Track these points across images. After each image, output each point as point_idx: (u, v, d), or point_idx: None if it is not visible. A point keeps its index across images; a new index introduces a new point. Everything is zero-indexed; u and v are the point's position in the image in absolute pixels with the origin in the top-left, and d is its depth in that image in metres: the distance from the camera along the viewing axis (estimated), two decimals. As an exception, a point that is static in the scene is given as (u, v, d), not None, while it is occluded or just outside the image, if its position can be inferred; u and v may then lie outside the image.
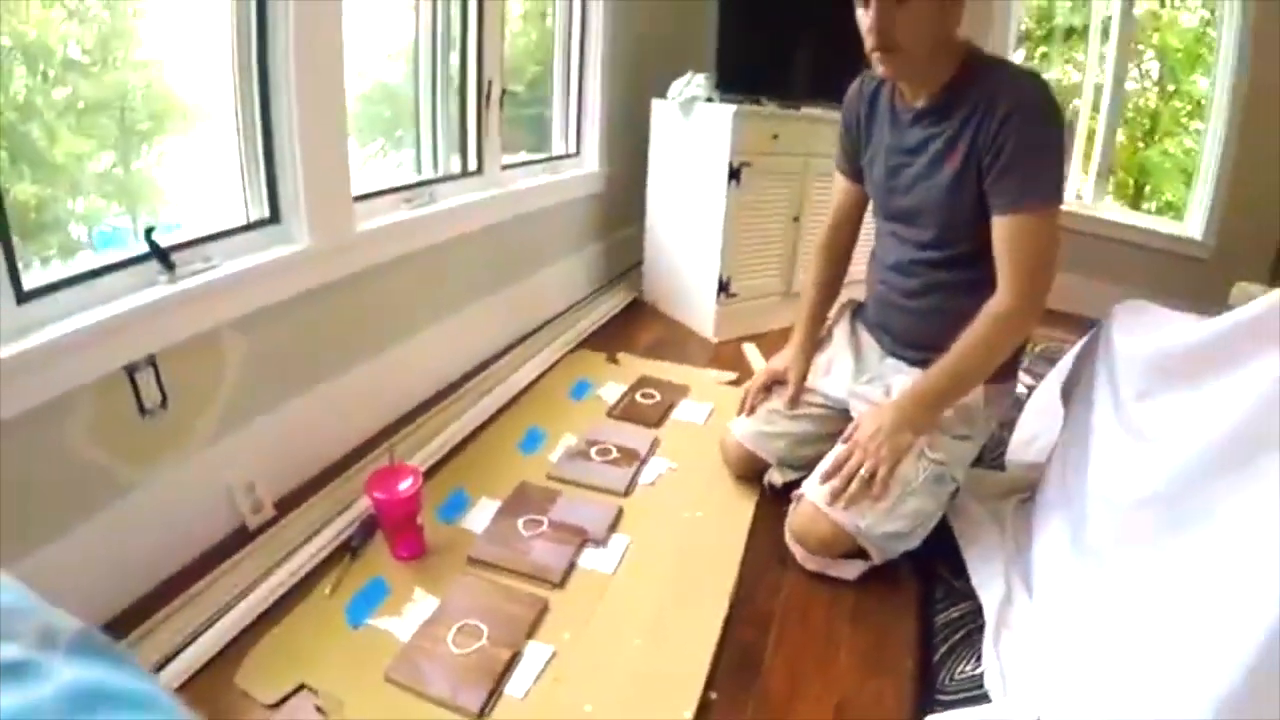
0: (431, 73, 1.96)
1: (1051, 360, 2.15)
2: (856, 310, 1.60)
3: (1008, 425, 1.81)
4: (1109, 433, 1.19)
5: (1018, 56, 3.31)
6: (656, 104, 2.52)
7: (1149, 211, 3.73)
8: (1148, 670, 0.88)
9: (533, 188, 2.28)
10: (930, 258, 1.35)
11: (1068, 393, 1.46)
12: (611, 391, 1.97)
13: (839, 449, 1.32)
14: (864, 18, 1.20)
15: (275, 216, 1.43)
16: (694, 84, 2.37)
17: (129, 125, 1.31)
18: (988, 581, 1.28)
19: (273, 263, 1.36)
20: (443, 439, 1.67)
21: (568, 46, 2.55)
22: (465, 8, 1.97)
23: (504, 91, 2.10)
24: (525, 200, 2.23)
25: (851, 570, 1.30)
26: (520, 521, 1.38)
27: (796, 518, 1.33)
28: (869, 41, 1.20)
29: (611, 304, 2.66)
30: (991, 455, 1.71)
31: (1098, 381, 1.29)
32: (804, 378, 1.54)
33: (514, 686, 1.05)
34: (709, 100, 2.33)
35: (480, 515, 1.42)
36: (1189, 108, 3.75)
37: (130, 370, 1.15)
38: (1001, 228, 1.21)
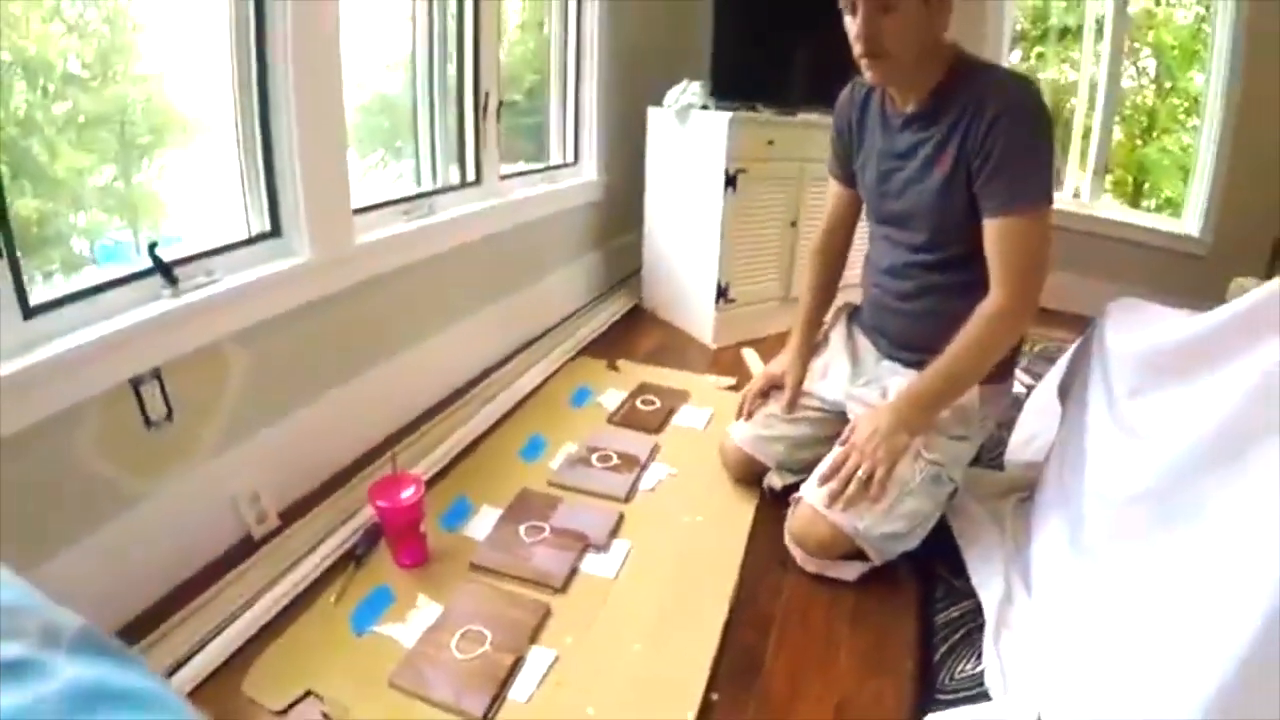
0: (429, 84, 1.99)
1: (1050, 359, 2.16)
2: (852, 313, 1.61)
3: (1006, 425, 1.81)
4: (1103, 430, 1.20)
5: (1014, 57, 3.33)
6: (653, 112, 2.53)
7: (1148, 209, 3.73)
8: (1144, 666, 0.88)
9: (531, 197, 2.30)
10: (923, 260, 1.36)
11: (1064, 391, 1.47)
12: (612, 398, 1.98)
13: (836, 451, 1.33)
14: (851, 25, 1.22)
15: (276, 230, 1.45)
16: (689, 92, 2.38)
17: (129, 139, 1.32)
18: (987, 581, 1.29)
19: (274, 276, 1.38)
20: (445, 447, 1.68)
21: (564, 56, 2.57)
22: (461, 19, 1.99)
23: (501, 102, 2.12)
24: (524, 210, 2.25)
25: (851, 571, 1.31)
26: (522, 528, 1.39)
27: (795, 520, 1.34)
28: (857, 48, 1.22)
29: (611, 311, 2.68)
30: (990, 455, 1.71)
31: (1092, 379, 1.29)
32: (801, 382, 1.55)
33: (517, 691, 1.06)
34: (704, 108, 2.35)
35: (482, 522, 1.43)
36: (1186, 104, 3.75)
37: (135, 383, 1.16)
38: (992, 230, 1.22)
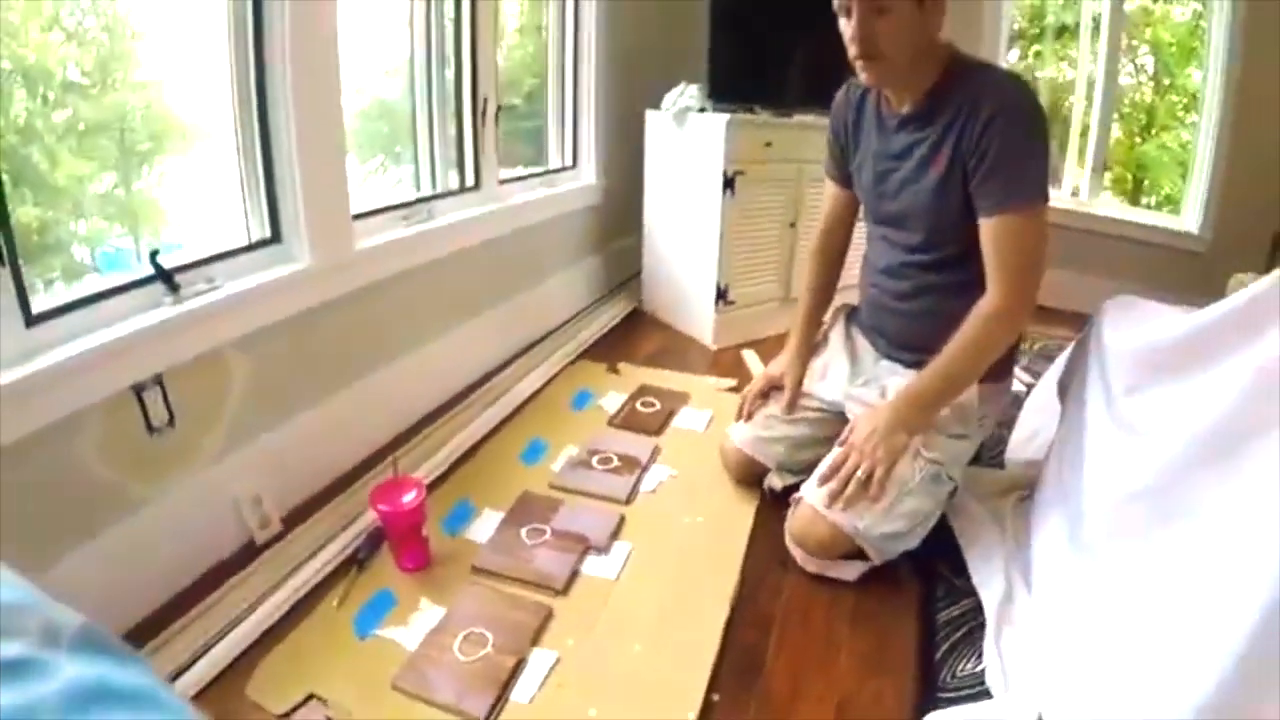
0: (427, 89, 1.99)
1: (1050, 358, 2.16)
2: (851, 314, 1.62)
3: (1007, 423, 1.82)
4: (1101, 428, 1.20)
5: (1012, 55, 3.33)
6: (651, 115, 2.54)
7: (1149, 206, 3.73)
8: (1143, 662, 0.89)
9: (530, 201, 2.31)
10: (920, 260, 1.36)
11: (1064, 389, 1.47)
12: (612, 401, 1.99)
13: (836, 452, 1.34)
14: (846, 27, 1.22)
15: (276, 236, 1.45)
16: (687, 94, 2.39)
17: (129, 146, 1.33)
18: (988, 579, 1.29)
19: (275, 282, 1.38)
20: (446, 451, 1.69)
21: (561, 60, 2.58)
22: (458, 24, 2.00)
23: (500, 107, 2.13)
24: (523, 214, 2.26)
25: (851, 571, 1.31)
26: (523, 531, 1.40)
27: (795, 520, 1.34)
28: (852, 50, 1.23)
29: (611, 314, 2.68)
30: (991, 453, 1.72)
31: (1090, 377, 1.30)
32: (800, 382, 1.56)
33: (519, 692, 1.06)
34: (702, 110, 2.36)
35: (484, 526, 1.44)
36: (1184, 101, 3.75)
37: (138, 390, 1.17)
38: (988, 229, 1.23)
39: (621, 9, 2.65)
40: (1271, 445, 0.82)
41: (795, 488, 1.40)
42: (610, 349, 2.40)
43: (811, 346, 1.61)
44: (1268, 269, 1.00)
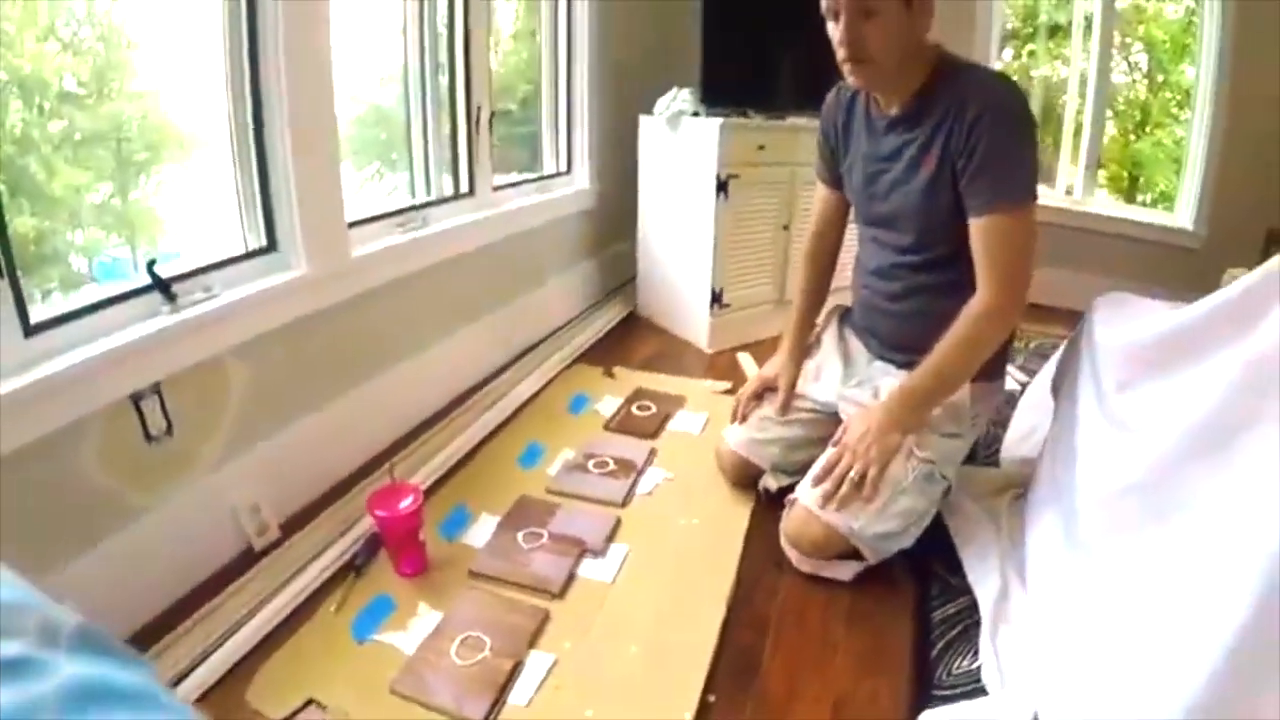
0: (421, 97, 2.00)
1: (1045, 356, 2.16)
2: (844, 315, 1.63)
3: (1002, 422, 1.82)
4: (1094, 424, 1.21)
5: (1005, 55, 3.34)
6: (644, 120, 2.55)
7: (1144, 204, 3.74)
8: (1137, 657, 0.89)
9: (525, 207, 2.32)
10: (910, 261, 1.37)
11: (1057, 387, 1.48)
12: (608, 405, 1.99)
13: (830, 452, 1.34)
14: (834, 30, 1.23)
15: (273, 244, 1.46)
16: (680, 99, 2.40)
17: (126, 156, 1.33)
18: (983, 577, 1.29)
19: (271, 290, 1.39)
20: (443, 456, 1.69)
21: (555, 66, 2.59)
22: (452, 32, 2.01)
23: (494, 113, 2.14)
24: (518, 220, 2.26)
25: (846, 571, 1.31)
26: (520, 535, 1.41)
27: (790, 521, 1.35)
28: (840, 53, 1.24)
29: (607, 319, 2.69)
30: (986, 452, 1.72)
31: (1082, 374, 1.31)
32: (794, 384, 1.56)
33: (517, 695, 1.07)
34: (695, 114, 2.36)
35: (481, 530, 1.44)
36: (1178, 98, 3.76)
37: (136, 399, 1.18)
38: (978, 229, 1.24)
39: (614, 14, 2.66)
40: (1262, 438, 0.83)
41: (790, 489, 1.41)
42: (606, 353, 2.41)
43: (805, 348, 1.62)
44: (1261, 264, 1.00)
